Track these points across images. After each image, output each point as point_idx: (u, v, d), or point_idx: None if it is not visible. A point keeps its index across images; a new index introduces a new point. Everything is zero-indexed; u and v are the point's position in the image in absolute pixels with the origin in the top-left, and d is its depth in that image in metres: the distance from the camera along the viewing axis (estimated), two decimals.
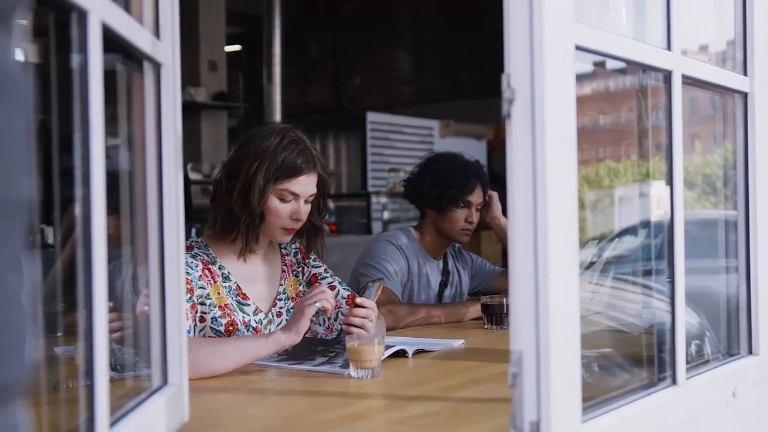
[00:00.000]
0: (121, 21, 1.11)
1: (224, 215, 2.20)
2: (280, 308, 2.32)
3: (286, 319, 2.28)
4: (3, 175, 0.51)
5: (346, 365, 1.90)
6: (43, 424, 1.09)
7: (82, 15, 0.98)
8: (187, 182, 4.85)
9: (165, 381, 1.35)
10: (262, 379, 1.92)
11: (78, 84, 0.98)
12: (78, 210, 0.99)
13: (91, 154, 0.98)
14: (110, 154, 1.06)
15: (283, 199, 2.18)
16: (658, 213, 1.88)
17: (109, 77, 1.05)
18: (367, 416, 1.58)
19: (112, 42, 1.08)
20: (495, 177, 3.12)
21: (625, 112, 2.04)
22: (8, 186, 0.51)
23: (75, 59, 0.99)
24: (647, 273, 1.88)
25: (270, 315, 2.28)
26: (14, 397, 0.52)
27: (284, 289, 2.35)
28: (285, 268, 2.37)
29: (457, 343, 2.33)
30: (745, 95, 1.76)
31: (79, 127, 0.98)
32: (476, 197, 2.97)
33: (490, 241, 6.22)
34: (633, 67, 1.56)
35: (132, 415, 1.15)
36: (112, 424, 1.05)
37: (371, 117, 7.93)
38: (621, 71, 1.66)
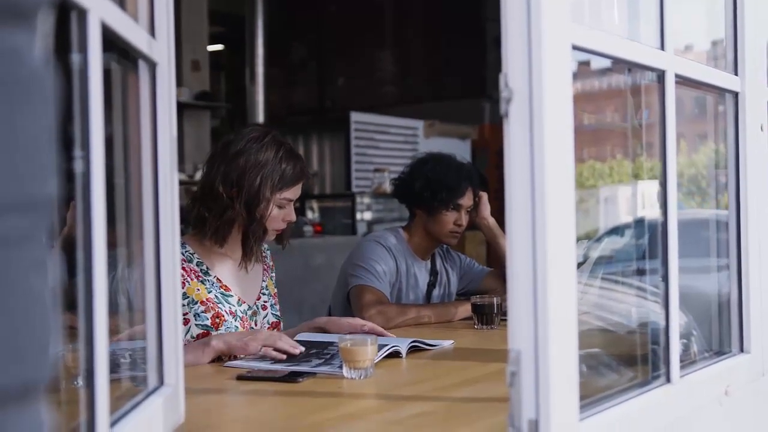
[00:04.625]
0: (119, 20, 1.10)
1: (226, 225, 2.23)
2: (264, 302, 2.39)
3: (272, 313, 2.39)
4: (30, 174, 0.50)
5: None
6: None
7: (82, 14, 0.97)
8: None
9: (161, 382, 1.34)
10: (257, 381, 1.91)
11: (78, 83, 0.98)
12: (77, 210, 0.98)
13: (92, 154, 0.97)
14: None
15: (281, 206, 2.27)
16: (645, 212, 1.89)
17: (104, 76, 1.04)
18: (363, 416, 1.58)
19: (108, 41, 1.07)
20: (479, 177, 3.12)
21: (609, 111, 2.04)
22: (35, 186, 0.51)
23: (74, 58, 0.98)
24: (636, 272, 1.89)
25: (255, 307, 2.33)
26: (40, 397, 0.51)
27: (266, 285, 2.42)
28: (265, 266, 2.45)
29: (447, 343, 2.33)
30: (735, 94, 1.77)
31: (79, 126, 0.97)
32: (467, 200, 2.97)
33: (474, 241, 6.23)
34: (619, 66, 1.56)
35: (130, 415, 1.15)
36: (112, 424, 1.04)
37: (355, 117, 7.90)
38: (606, 70, 1.66)
